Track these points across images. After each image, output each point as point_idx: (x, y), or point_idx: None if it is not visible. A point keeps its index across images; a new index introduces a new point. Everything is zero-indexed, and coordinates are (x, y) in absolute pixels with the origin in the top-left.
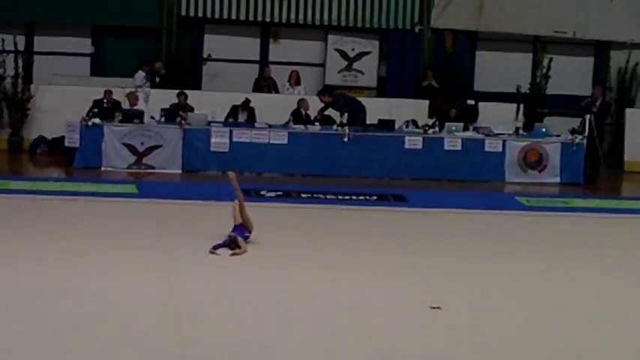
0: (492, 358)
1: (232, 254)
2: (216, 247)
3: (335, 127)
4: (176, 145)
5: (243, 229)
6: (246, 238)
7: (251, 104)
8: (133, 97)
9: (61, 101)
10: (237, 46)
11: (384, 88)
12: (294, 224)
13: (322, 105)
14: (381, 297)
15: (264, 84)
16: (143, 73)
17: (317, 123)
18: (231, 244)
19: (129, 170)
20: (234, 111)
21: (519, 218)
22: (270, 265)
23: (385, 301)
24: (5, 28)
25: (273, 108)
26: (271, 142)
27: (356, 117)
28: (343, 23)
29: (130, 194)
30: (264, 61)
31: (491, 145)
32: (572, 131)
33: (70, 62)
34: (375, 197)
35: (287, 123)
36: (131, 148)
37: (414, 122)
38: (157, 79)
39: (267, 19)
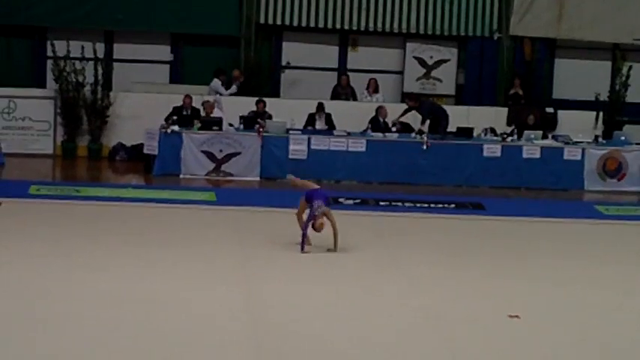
0: None
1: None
2: (303, 243)
3: (413, 134)
4: (254, 153)
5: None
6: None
7: (328, 111)
8: (209, 106)
9: (140, 108)
10: (316, 53)
11: (463, 96)
12: (372, 232)
13: (405, 108)
14: (457, 305)
15: (343, 91)
16: (219, 82)
17: (394, 129)
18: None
19: (207, 177)
20: (311, 119)
21: (598, 227)
22: (347, 273)
23: (462, 309)
24: (85, 36)
25: (351, 116)
26: (349, 149)
27: (438, 124)
28: (422, 31)
29: (208, 201)
30: (342, 69)
31: (570, 154)
32: None
33: (149, 70)
34: (453, 205)
35: (365, 131)
36: (210, 156)
37: (493, 130)
38: (236, 88)
39: (346, 27)
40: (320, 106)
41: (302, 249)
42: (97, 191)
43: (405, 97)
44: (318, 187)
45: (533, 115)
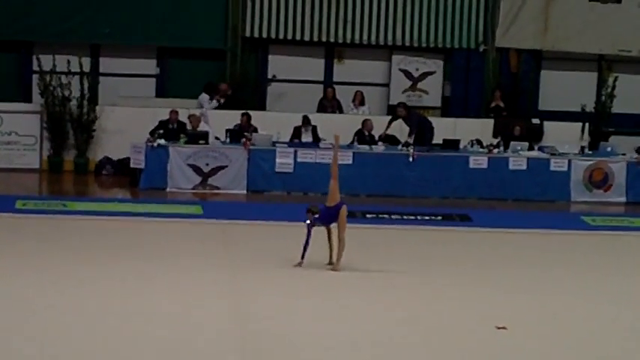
0: None
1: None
2: (303, 253)
3: (400, 147)
4: (241, 166)
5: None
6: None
7: (314, 123)
8: (195, 120)
9: (126, 122)
10: (302, 66)
11: (449, 108)
12: (359, 244)
13: (391, 117)
14: (446, 317)
15: (329, 104)
16: (207, 96)
17: (380, 143)
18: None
19: (194, 191)
20: (297, 132)
21: (585, 238)
22: (335, 285)
23: (450, 320)
24: (71, 50)
25: (337, 128)
26: None
27: (424, 136)
28: (407, 43)
29: (195, 215)
30: (328, 82)
31: (557, 165)
32: (638, 150)
33: (136, 83)
34: (440, 217)
35: (351, 143)
36: (196, 169)
37: (479, 142)
38: (222, 101)
39: (332, 40)
40: (306, 119)
41: (302, 257)
42: (83, 205)
43: (397, 105)
44: (332, 203)
45: (519, 126)
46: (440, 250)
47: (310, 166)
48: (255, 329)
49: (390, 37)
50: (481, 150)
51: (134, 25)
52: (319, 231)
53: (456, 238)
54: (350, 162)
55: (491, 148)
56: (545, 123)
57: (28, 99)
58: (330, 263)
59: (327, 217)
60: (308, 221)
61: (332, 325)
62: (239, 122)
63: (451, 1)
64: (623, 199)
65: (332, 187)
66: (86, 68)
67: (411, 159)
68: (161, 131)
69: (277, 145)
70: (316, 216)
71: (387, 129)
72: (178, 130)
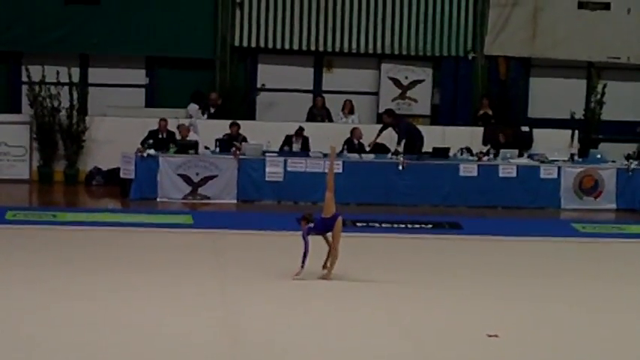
0: None
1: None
2: (303, 261)
3: (389, 155)
4: (231, 175)
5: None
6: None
7: (304, 133)
8: (184, 130)
9: (115, 132)
10: (291, 75)
11: (438, 116)
12: (350, 253)
13: (381, 127)
14: (437, 325)
15: (318, 113)
16: (196, 106)
17: (369, 147)
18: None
19: (184, 201)
20: (288, 140)
21: (575, 245)
22: (326, 295)
23: (441, 329)
24: (60, 61)
25: (326, 137)
26: (326, 171)
27: (413, 145)
28: (396, 51)
29: (185, 225)
30: (317, 91)
31: (547, 172)
32: (628, 157)
33: (125, 94)
34: (430, 225)
35: (341, 152)
36: (186, 179)
37: (469, 150)
38: (212, 110)
39: (321, 49)
40: (299, 130)
41: (302, 265)
42: (74, 216)
43: (384, 113)
44: (328, 215)
45: (503, 133)
46: (431, 258)
47: (300, 175)
48: (245, 339)
49: (378, 46)
50: (471, 158)
51: (123, 36)
52: (314, 239)
53: (447, 246)
54: (340, 170)
55: (481, 155)
56: (535, 130)
57: (17, 110)
58: (326, 266)
59: (323, 227)
60: (303, 232)
61: (322, 335)
62: (229, 132)
63: (440, 9)
64: (614, 205)
65: (328, 199)
66: (75, 79)
67: (400, 167)
68: (151, 141)
69: (267, 154)
70: (311, 225)
71: (376, 138)
72: (168, 139)
